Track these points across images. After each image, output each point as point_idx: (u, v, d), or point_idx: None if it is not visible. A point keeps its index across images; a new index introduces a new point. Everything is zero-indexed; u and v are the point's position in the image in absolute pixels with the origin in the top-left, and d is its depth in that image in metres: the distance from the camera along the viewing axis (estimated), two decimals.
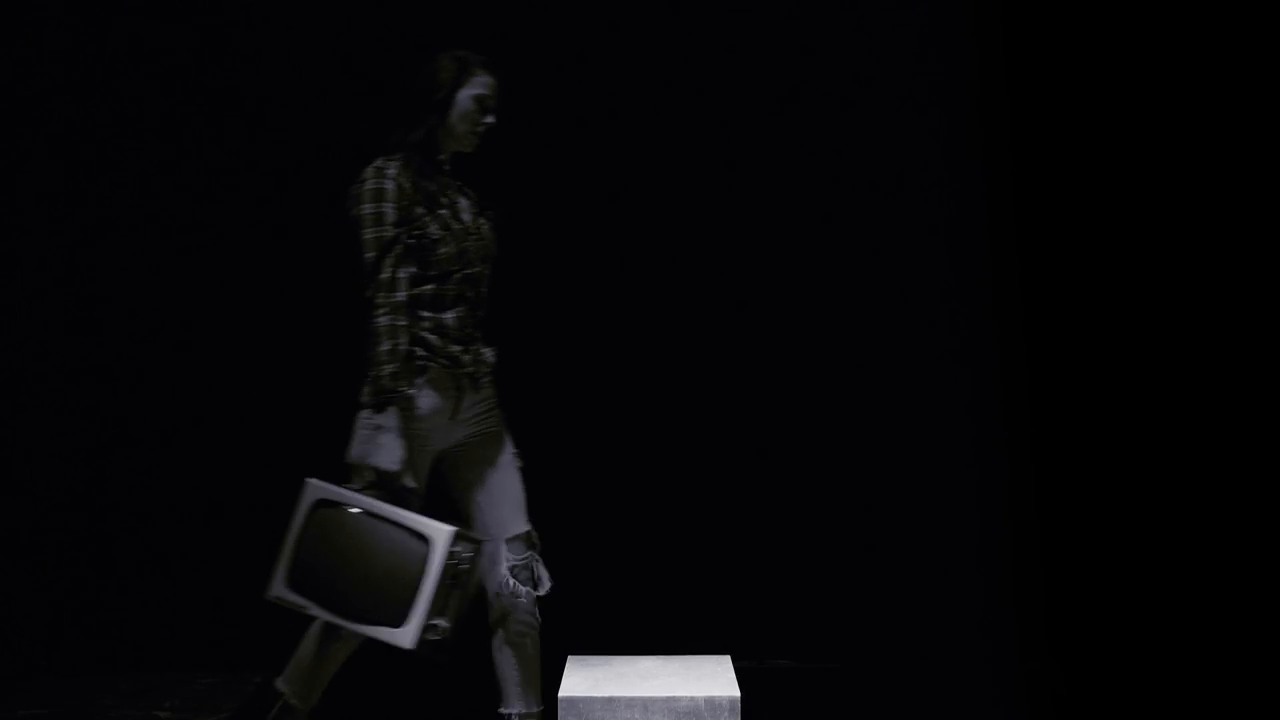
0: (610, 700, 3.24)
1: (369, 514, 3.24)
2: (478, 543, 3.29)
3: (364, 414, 3.34)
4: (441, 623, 3.22)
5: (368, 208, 3.35)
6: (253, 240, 4.77)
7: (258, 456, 4.78)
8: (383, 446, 3.29)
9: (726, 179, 4.75)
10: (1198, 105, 4.58)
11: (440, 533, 3.21)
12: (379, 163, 3.39)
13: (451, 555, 3.21)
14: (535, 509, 3.50)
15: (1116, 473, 4.66)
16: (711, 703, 3.24)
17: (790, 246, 4.78)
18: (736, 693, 3.27)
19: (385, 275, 3.33)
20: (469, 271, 3.43)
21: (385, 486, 3.28)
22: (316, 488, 3.27)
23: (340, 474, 4.73)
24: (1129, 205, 4.64)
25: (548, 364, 4.58)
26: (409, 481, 3.30)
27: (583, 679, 3.37)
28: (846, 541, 4.75)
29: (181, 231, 4.78)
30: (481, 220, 3.50)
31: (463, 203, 3.48)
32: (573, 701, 3.25)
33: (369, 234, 3.34)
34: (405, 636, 3.19)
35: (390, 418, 3.29)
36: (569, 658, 3.64)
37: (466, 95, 3.43)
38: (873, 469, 4.74)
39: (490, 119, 3.47)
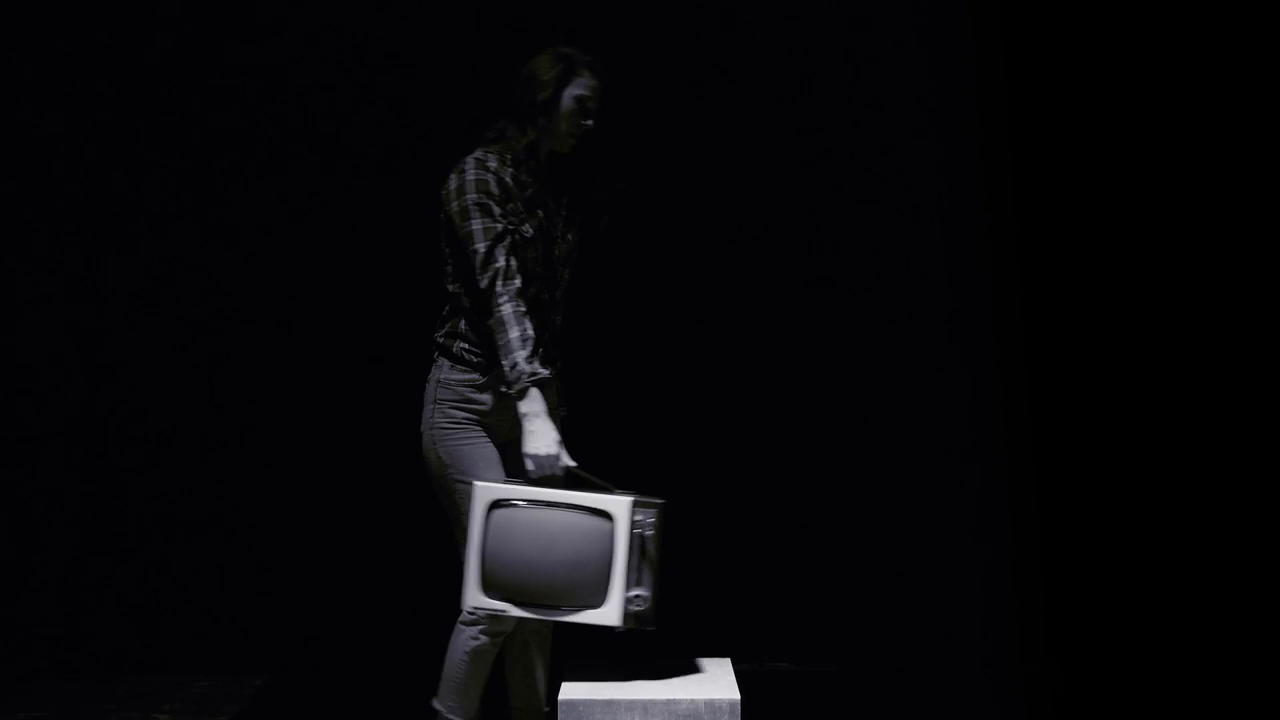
0: (610, 703, 3.24)
1: (543, 504, 3.23)
2: (657, 505, 3.28)
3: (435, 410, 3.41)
4: (641, 592, 3.23)
5: (472, 198, 3.31)
6: (250, 242, 4.76)
7: (258, 459, 4.78)
8: (534, 434, 3.26)
9: (724, 179, 4.74)
10: (1198, 105, 4.58)
11: (620, 505, 3.22)
12: (479, 154, 3.37)
13: (635, 524, 3.23)
14: None
15: (1117, 474, 4.66)
16: (711, 705, 3.24)
17: (787, 248, 4.77)
18: (736, 695, 3.26)
19: (500, 264, 3.28)
20: (550, 275, 3.42)
21: (544, 471, 3.27)
22: (486, 489, 3.25)
23: (341, 475, 4.75)
24: (1129, 205, 4.63)
25: None
26: (566, 460, 3.29)
27: (582, 681, 3.36)
28: (846, 544, 4.75)
29: (181, 232, 4.77)
30: (570, 224, 3.48)
31: (554, 205, 3.46)
32: (572, 704, 3.24)
33: (477, 224, 3.30)
34: (611, 615, 3.20)
35: (535, 402, 3.25)
36: (568, 660, 3.63)
37: (570, 95, 3.40)
38: (872, 471, 4.73)
39: (589, 122, 3.43)
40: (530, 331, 3.25)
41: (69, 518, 4.77)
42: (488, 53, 4.60)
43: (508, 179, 3.35)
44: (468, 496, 3.30)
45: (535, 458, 3.26)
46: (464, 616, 3.34)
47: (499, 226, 3.30)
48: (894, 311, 4.73)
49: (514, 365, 3.24)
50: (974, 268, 4.72)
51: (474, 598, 3.24)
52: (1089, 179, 4.64)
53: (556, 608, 3.23)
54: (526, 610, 3.23)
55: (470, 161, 3.36)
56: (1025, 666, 4.60)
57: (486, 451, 3.38)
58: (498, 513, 3.23)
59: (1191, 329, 4.62)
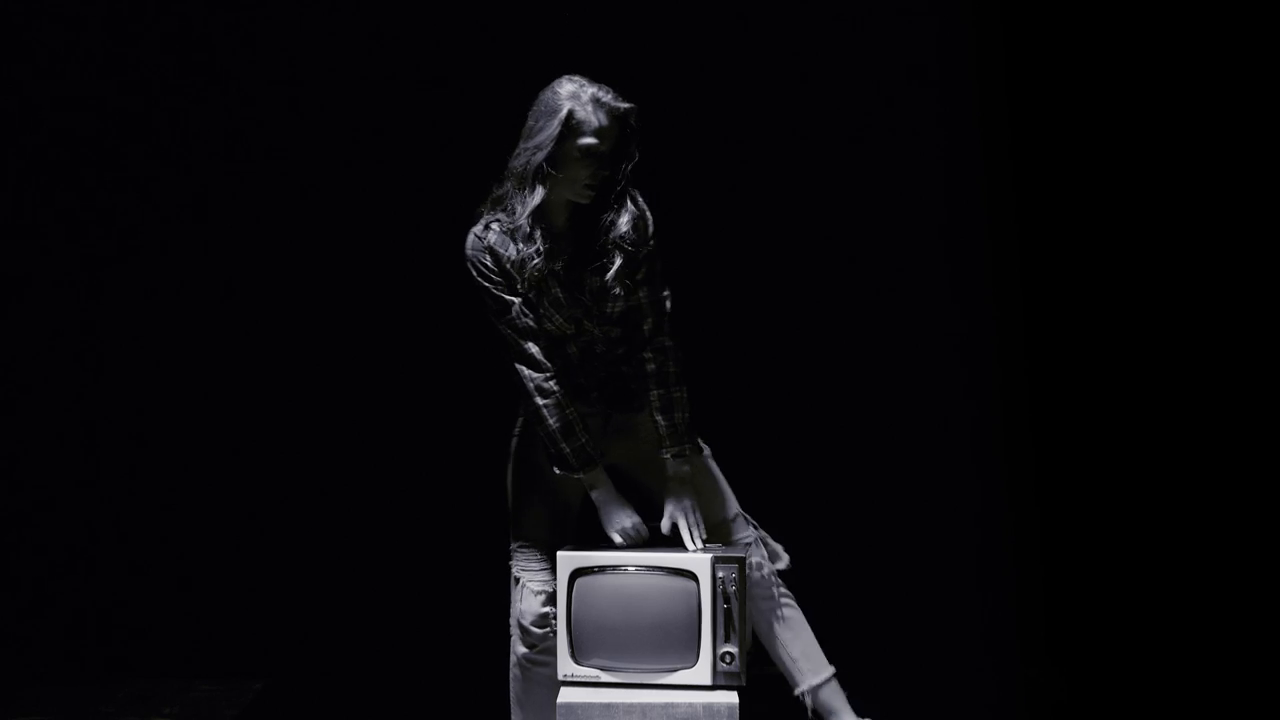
0: (609, 706, 3.25)
1: (625, 568, 3.29)
2: (738, 560, 3.31)
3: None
4: (730, 649, 3.28)
5: (481, 282, 3.32)
6: (250, 242, 4.77)
7: (258, 462, 4.78)
8: (606, 516, 3.39)
9: (722, 181, 4.75)
10: (1198, 105, 4.57)
11: (702, 564, 3.27)
12: (479, 229, 3.32)
13: (718, 581, 3.27)
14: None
15: (1118, 479, 4.65)
16: (710, 709, 3.24)
17: (784, 248, 4.77)
18: (735, 699, 3.27)
19: (524, 352, 3.35)
20: (588, 331, 3.44)
21: (629, 541, 3.38)
22: (568, 559, 3.30)
23: (342, 479, 4.75)
24: (1130, 206, 4.63)
25: None
26: (642, 529, 3.39)
27: (581, 685, 3.37)
28: (845, 547, 4.74)
29: (179, 231, 4.78)
30: (600, 271, 3.37)
31: (580, 255, 3.35)
32: (571, 708, 3.25)
33: (492, 313, 3.35)
34: (702, 674, 3.26)
35: (595, 489, 3.38)
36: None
37: (574, 148, 3.22)
38: (872, 473, 4.73)
39: (605, 172, 3.25)
40: (563, 420, 3.32)
41: (68, 520, 4.78)
42: (509, 52, 4.63)
43: (511, 251, 3.28)
44: (516, 514, 3.44)
45: (619, 533, 3.37)
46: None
47: (508, 315, 3.31)
48: (894, 315, 4.73)
49: (561, 459, 3.33)
50: (974, 271, 4.72)
51: (566, 667, 3.29)
52: (1090, 181, 4.64)
53: (647, 670, 3.27)
54: (618, 675, 3.28)
55: (470, 239, 3.32)
56: (1025, 670, 4.59)
57: (542, 486, 3.44)
58: (580, 581, 3.28)
59: (1192, 332, 4.61)
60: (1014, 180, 4.68)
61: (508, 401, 4.63)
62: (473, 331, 4.68)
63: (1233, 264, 4.59)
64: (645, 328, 3.43)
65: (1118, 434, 4.66)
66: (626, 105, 3.24)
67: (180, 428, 4.78)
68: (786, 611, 3.51)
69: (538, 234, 3.28)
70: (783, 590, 3.51)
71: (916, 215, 4.71)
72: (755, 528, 3.55)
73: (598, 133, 3.22)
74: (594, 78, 3.31)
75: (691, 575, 3.27)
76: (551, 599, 3.37)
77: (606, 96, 3.24)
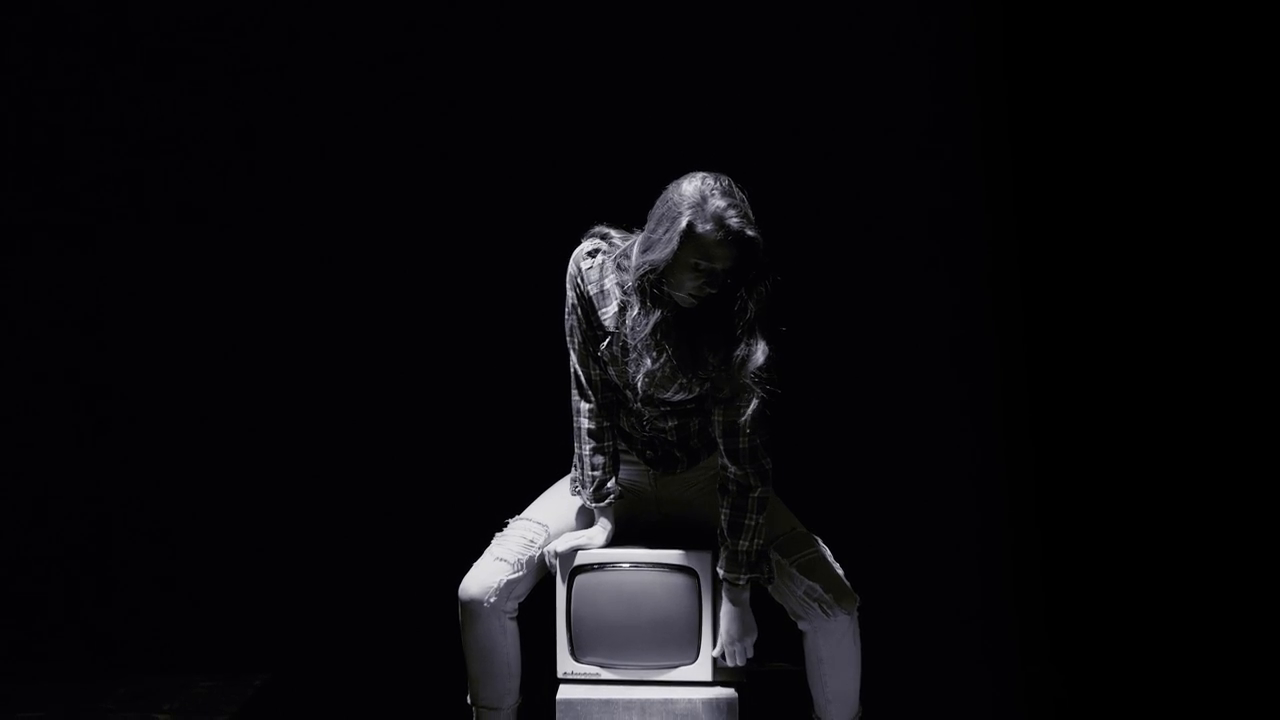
0: (608, 702, 3.25)
1: (625, 565, 3.29)
2: None
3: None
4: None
5: (566, 307, 3.32)
6: (252, 239, 4.77)
7: (258, 458, 4.78)
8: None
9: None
10: (1198, 105, 4.58)
11: (702, 560, 3.28)
12: (583, 255, 3.28)
13: (718, 578, 3.27)
14: (515, 510, 3.51)
15: (1118, 477, 4.66)
16: (709, 704, 3.24)
17: (782, 249, 4.76)
18: (734, 694, 3.27)
19: (574, 378, 3.36)
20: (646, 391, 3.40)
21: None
22: (569, 556, 3.30)
23: (342, 474, 4.76)
24: (1130, 207, 4.63)
25: (529, 359, 4.57)
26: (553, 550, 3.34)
27: (580, 682, 3.37)
28: (844, 544, 4.73)
29: (180, 223, 4.78)
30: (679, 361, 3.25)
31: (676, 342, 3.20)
32: (570, 703, 3.25)
33: (568, 342, 3.35)
34: (703, 670, 3.27)
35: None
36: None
37: (687, 258, 3.01)
38: (871, 471, 4.72)
39: (709, 289, 3.05)
40: (581, 458, 3.33)
41: (68, 516, 4.78)
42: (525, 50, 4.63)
43: (603, 287, 3.26)
44: (542, 499, 3.43)
45: (562, 544, 3.33)
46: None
47: (570, 338, 3.32)
48: (894, 313, 4.73)
49: (581, 483, 3.36)
50: (973, 270, 4.72)
51: (565, 664, 3.29)
52: (1090, 181, 4.64)
53: (647, 667, 3.27)
54: (617, 673, 3.28)
55: (575, 254, 3.29)
56: (1025, 669, 4.59)
57: (567, 501, 3.43)
58: (580, 578, 3.28)
59: (1191, 333, 4.62)
60: (1013, 181, 4.68)
61: (510, 399, 4.66)
62: (476, 328, 4.71)
63: (1233, 264, 4.60)
64: (740, 443, 3.33)
65: (1117, 434, 4.66)
66: (754, 233, 3.04)
67: (180, 422, 4.78)
68: (844, 648, 3.47)
69: (641, 297, 3.16)
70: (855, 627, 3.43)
71: (915, 215, 4.71)
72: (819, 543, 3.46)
73: (716, 255, 3.02)
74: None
75: (691, 572, 3.28)
76: (513, 570, 3.32)
77: (734, 218, 3.02)
